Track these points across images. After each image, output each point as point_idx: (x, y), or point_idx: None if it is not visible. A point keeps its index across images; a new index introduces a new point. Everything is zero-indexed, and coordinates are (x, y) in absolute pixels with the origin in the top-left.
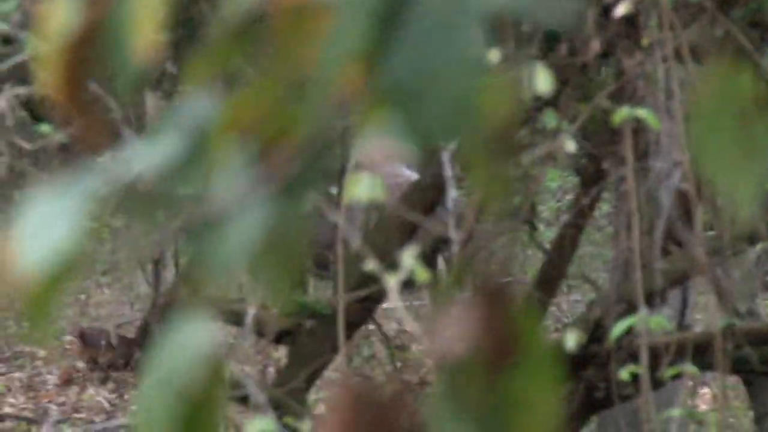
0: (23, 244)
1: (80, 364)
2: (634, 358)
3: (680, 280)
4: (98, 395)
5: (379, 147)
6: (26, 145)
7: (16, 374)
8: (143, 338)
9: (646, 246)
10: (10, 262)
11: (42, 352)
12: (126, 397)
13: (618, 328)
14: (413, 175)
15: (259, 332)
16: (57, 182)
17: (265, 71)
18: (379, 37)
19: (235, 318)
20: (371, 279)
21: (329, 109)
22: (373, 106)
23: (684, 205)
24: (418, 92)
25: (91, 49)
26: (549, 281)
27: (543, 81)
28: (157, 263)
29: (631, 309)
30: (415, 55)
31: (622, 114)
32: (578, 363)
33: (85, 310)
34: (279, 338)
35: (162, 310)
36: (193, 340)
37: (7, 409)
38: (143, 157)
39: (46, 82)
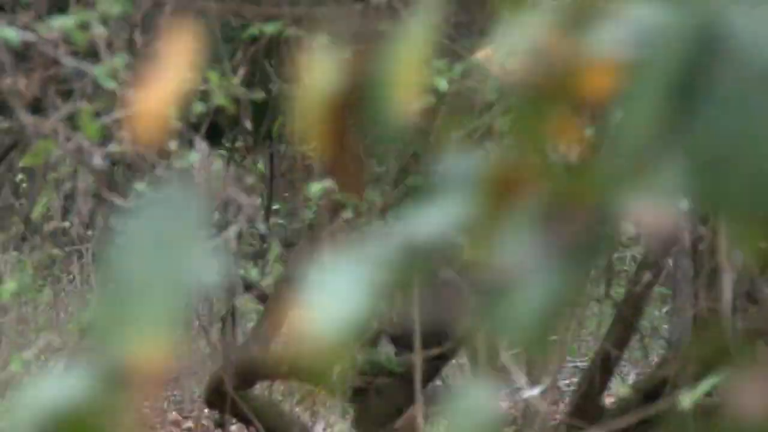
0: (316, 310)
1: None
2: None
3: (757, 337)
4: None
5: (657, 209)
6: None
7: None
8: None
9: (717, 303)
10: (302, 325)
11: None
12: None
13: (702, 388)
14: None
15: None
16: (347, 248)
17: (553, 131)
18: (682, 100)
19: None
20: (442, 336)
21: (626, 174)
22: (671, 169)
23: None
24: (723, 160)
25: (353, 105)
26: (621, 337)
27: None
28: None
29: (705, 369)
30: (719, 121)
31: None
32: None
33: None
34: (351, 396)
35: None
36: (478, 407)
37: None
38: (424, 218)
39: (309, 136)
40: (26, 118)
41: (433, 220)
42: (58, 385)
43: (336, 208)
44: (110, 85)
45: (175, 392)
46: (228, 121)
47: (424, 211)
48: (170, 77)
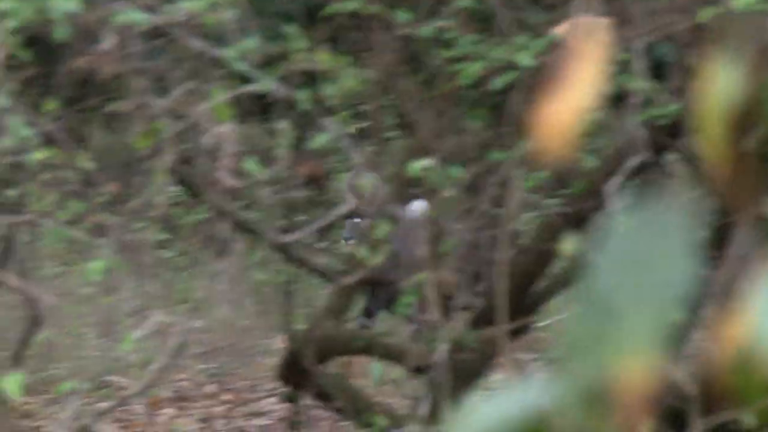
0: (759, 321)
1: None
2: None
3: None
4: (187, 425)
5: None
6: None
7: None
8: None
9: None
10: (736, 335)
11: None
12: (214, 426)
13: None
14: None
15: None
16: None
17: None
18: None
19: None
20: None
21: None
22: None
23: None
24: None
25: (751, 115)
26: None
27: None
28: None
29: None
30: None
31: None
32: None
33: None
34: (418, 369)
35: None
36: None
37: None
38: None
39: (706, 145)
40: (149, 98)
41: None
42: (526, 396)
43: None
44: (241, 67)
45: (212, 365)
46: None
47: None
48: (580, 86)
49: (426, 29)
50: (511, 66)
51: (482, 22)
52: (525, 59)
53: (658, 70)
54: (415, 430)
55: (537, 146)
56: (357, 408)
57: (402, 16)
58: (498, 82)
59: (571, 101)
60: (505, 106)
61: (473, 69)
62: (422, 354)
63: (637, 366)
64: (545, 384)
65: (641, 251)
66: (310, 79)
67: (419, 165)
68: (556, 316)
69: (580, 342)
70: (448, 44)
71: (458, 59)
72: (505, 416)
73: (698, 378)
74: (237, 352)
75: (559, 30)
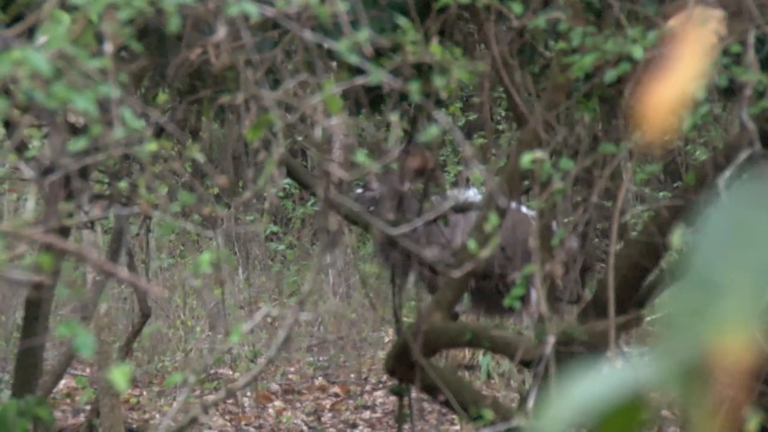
0: None
1: (274, 386)
2: None
3: None
4: (295, 417)
5: None
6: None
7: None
8: None
9: None
10: None
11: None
12: (323, 419)
13: None
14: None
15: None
16: None
17: None
18: None
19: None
20: (621, 306)
21: None
22: None
23: None
24: None
25: None
26: None
27: None
28: None
29: None
30: None
31: None
32: None
33: None
34: (527, 362)
35: None
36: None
37: None
38: None
39: None
40: (256, 90)
41: None
42: (625, 373)
43: None
44: (353, 59)
45: (320, 358)
46: None
47: None
48: (686, 76)
49: (538, 21)
50: (623, 58)
51: (595, 13)
52: (638, 51)
53: None
54: (522, 423)
55: (643, 135)
56: (464, 401)
57: (514, 7)
58: (611, 75)
59: (677, 90)
60: (617, 98)
61: (586, 61)
62: (530, 347)
63: (737, 341)
64: (645, 361)
65: (742, 230)
66: (422, 71)
67: (529, 157)
68: (665, 310)
69: (682, 318)
70: (560, 36)
71: (571, 51)
72: (604, 393)
73: None
74: (345, 344)
75: (674, 22)
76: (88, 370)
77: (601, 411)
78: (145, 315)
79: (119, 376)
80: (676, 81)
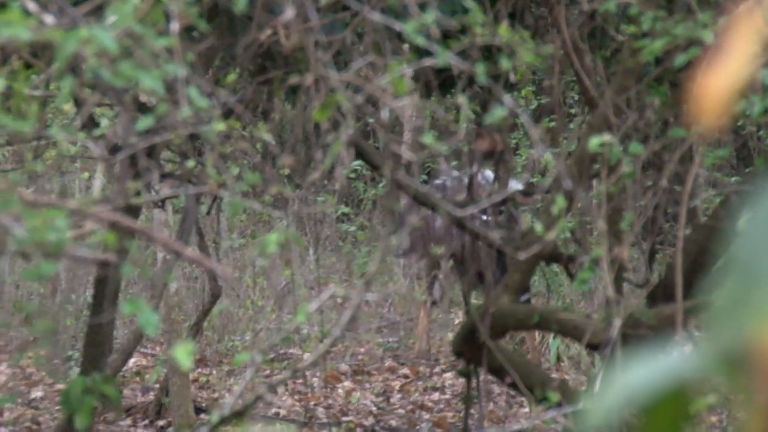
0: None
1: (344, 366)
2: None
3: None
4: (364, 398)
5: None
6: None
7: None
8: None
9: None
10: None
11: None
12: (391, 400)
13: None
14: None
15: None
16: None
17: None
18: None
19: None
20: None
21: None
22: None
23: None
24: None
25: None
26: None
27: None
28: None
29: None
30: None
31: None
32: None
33: None
34: (594, 345)
35: None
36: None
37: (276, 411)
38: None
39: None
40: (325, 71)
41: None
42: (671, 362)
43: None
44: (421, 41)
45: (390, 339)
46: None
47: None
48: (739, 58)
49: (609, 4)
50: (694, 42)
51: None
52: (708, 36)
53: None
54: (589, 406)
55: (699, 117)
56: (531, 383)
57: None
58: (681, 59)
59: (730, 76)
60: (687, 82)
61: (656, 46)
62: (598, 330)
63: None
64: (691, 351)
65: None
66: (490, 53)
67: (597, 140)
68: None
69: (726, 307)
70: (631, 20)
71: (641, 35)
72: (650, 382)
73: None
74: (415, 326)
75: (744, 7)
76: (158, 348)
77: (647, 400)
78: (215, 295)
79: (182, 354)
80: (730, 67)
